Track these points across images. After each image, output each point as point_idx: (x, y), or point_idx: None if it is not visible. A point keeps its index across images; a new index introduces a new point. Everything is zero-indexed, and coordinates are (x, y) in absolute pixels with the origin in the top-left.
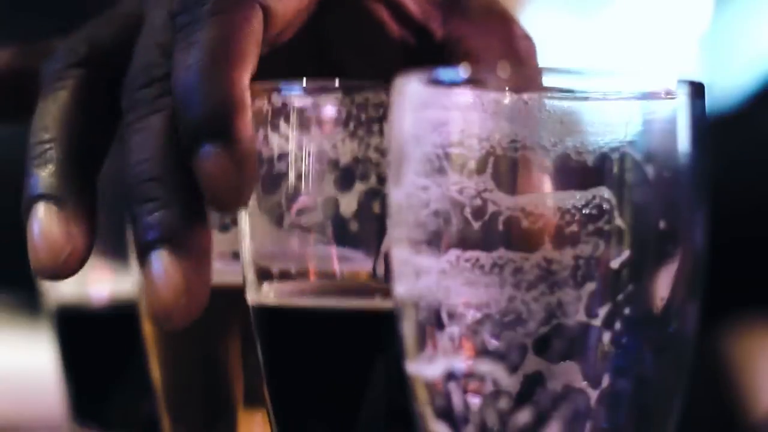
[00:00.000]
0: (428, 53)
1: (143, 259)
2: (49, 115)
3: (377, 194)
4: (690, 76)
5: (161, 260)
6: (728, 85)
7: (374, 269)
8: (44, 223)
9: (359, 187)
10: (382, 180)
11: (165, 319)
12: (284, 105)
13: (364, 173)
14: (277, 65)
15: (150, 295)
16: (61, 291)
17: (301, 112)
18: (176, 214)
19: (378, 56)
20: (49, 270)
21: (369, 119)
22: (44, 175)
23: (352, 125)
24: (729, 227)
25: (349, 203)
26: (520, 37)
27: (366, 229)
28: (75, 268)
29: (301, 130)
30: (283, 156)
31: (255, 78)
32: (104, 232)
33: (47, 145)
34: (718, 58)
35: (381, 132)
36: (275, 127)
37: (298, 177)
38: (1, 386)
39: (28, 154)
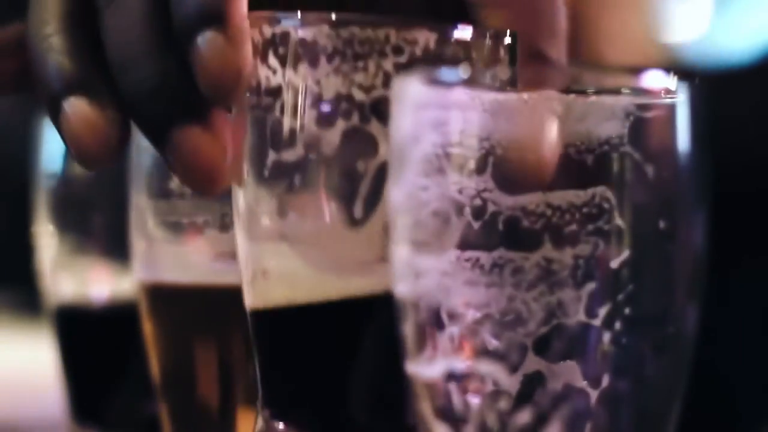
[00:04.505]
0: (448, 3)
1: (164, 141)
2: (46, 10)
3: (359, 132)
4: (690, 73)
5: (189, 136)
6: (741, 41)
7: (352, 213)
8: (81, 113)
9: (341, 124)
10: (364, 118)
11: (202, 180)
12: (270, 36)
13: (347, 111)
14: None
15: (189, 175)
16: (61, 291)
17: (284, 45)
18: (181, 89)
19: (398, 3)
20: (99, 158)
21: (355, 55)
22: (61, 67)
23: (336, 60)
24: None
25: (330, 141)
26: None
27: (346, 170)
28: (121, 151)
29: (285, 64)
30: (269, 89)
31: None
32: (104, 232)
33: (53, 38)
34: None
35: (366, 69)
36: (264, 58)
37: (282, 111)
38: (1, 386)
39: (32, 51)
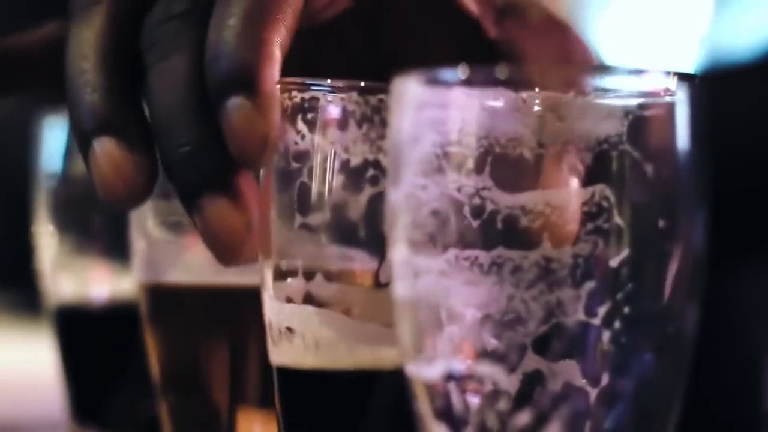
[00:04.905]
0: (480, 50)
1: (193, 206)
2: (87, 44)
3: (385, 198)
4: (690, 72)
5: (215, 207)
6: (746, 37)
7: (377, 276)
8: (109, 154)
9: (368, 190)
10: None
11: (229, 254)
12: (299, 101)
13: (373, 177)
14: (329, 51)
15: (213, 244)
16: (61, 291)
17: (314, 110)
18: (214, 158)
19: (431, 46)
20: (124, 200)
21: (382, 121)
22: (95, 105)
23: (365, 127)
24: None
25: (357, 206)
26: (575, 44)
27: (372, 234)
28: (147, 195)
29: (313, 129)
30: (296, 153)
31: (295, 53)
32: (104, 232)
33: (90, 74)
34: (734, 9)
35: None
36: (292, 123)
37: (309, 176)
38: (1, 386)
39: (69, 84)
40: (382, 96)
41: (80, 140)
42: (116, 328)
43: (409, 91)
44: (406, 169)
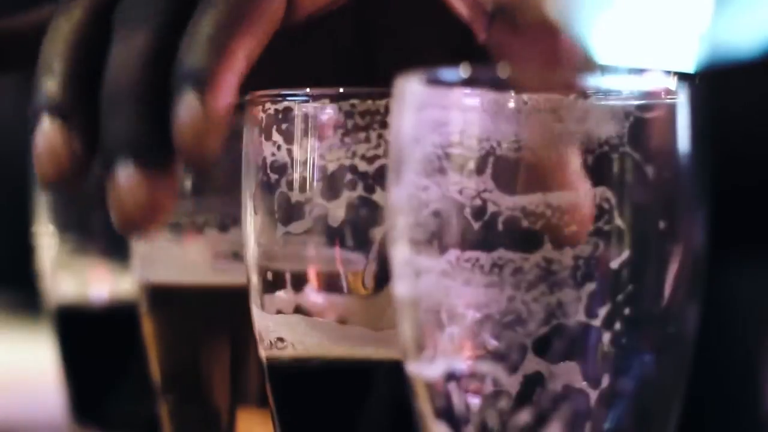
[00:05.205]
0: (471, 55)
1: (110, 165)
2: (60, 33)
3: (364, 202)
4: (690, 72)
5: (130, 174)
6: (746, 34)
7: (363, 279)
8: (48, 135)
9: (346, 195)
10: (369, 188)
11: (127, 223)
12: (273, 113)
13: (351, 182)
14: (317, 51)
15: (116, 204)
16: (61, 291)
17: (288, 121)
18: (148, 132)
19: (420, 52)
20: (52, 182)
21: (356, 126)
22: (49, 88)
23: (339, 133)
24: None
25: (336, 212)
26: (566, 50)
27: (354, 239)
28: (78, 181)
29: (289, 140)
30: (274, 165)
31: (276, 62)
32: (104, 232)
33: (54, 59)
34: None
35: (368, 140)
36: (268, 135)
37: (288, 186)
38: (1, 386)
39: (36, 72)
40: (354, 101)
41: (30, 120)
42: (116, 328)
43: (410, 91)
44: (408, 169)
